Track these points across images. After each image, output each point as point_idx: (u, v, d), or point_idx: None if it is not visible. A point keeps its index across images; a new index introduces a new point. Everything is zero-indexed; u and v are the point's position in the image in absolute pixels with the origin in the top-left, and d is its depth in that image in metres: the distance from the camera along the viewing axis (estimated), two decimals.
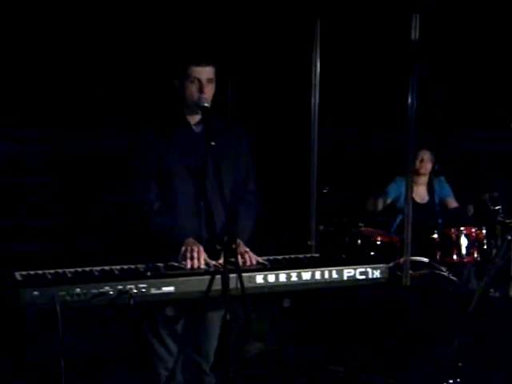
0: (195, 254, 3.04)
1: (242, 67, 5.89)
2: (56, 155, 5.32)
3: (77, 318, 2.81)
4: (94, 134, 5.43)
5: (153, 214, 3.17)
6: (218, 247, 3.03)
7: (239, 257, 3.07)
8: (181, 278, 2.87)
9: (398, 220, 5.82)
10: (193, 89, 3.19)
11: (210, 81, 3.22)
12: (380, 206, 5.94)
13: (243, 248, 3.18)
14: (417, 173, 5.91)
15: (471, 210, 5.72)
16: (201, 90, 3.18)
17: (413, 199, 5.72)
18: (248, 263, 3.12)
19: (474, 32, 6.02)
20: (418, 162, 5.91)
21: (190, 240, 3.11)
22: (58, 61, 5.15)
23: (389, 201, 5.92)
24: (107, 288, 2.72)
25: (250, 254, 3.17)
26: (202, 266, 3.03)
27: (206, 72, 3.20)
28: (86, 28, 5.16)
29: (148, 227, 3.17)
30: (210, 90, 3.22)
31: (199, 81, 3.18)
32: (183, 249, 3.07)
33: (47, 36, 5.07)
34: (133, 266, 2.98)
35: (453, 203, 6.11)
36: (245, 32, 5.80)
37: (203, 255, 3.07)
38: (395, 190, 5.85)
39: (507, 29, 5.43)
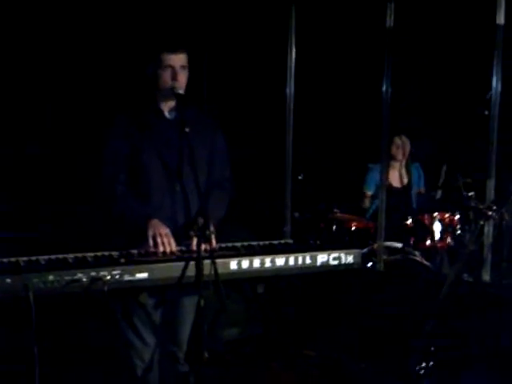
0: (165, 240, 3.04)
1: (217, 54, 5.88)
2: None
3: (52, 306, 2.79)
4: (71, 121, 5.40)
5: (116, 200, 3.15)
6: (192, 233, 3.03)
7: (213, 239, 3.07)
8: (155, 265, 2.87)
9: (374, 206, 5.86)
10: (166, 76, 3.17)
11: (183, 68, 3.21)
12: (368, 200, 6.00)
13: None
14: (393, 158, 5.97)
15: (438, 194, 5.78)
16: (174, 77, 3.17)
17: (390, 184, 5.78)
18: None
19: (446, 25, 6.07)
20: (394, 148, 5.95)
21: (156, 221, 3.09)
22: (30, 48, 5.11)
23: (371, 192, 5.96)
24: (81, 275, 2.71)
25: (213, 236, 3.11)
26: (174, 250, 3.03)
27: (179, 59, 3.19)
28: (59, 16, 5.12)
29: (111, 213, 3.16)
30: (183, 77, 3.21)
31: (173, 68, 3.17)
32: (150, 232, 3.05)
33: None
34: (106, 253, 2.97)
35: (422, 192, 6.18)
36: (219, 19, 5.79)
37: (171, 238, 3.06)
38: (374, 179, 5.87)
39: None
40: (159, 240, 3.04)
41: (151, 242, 3.04)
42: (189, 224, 3.09)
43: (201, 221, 2.87)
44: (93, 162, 3.30)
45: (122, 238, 3.11)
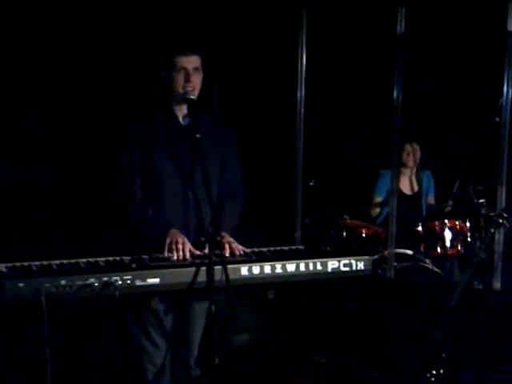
0: (180, 246, 3.04)
1: (228, 59, 5.88)
2: None
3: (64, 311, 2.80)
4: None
5: (134, 205, 3.16)
6: (203, 239, 3.05)
7: (226, 246, 3.10)
8: (166, 270, 2.87)
9: (384, 212, 5.84)
10: (179, 78, 3.19)
11: (196, 70, 3.22)
12: (378, 207, 5.99)
13: (229, 239, 3.18)
14: (404, 165, 5.96)
15: (449, 206, 5.76)
16: (187, 79, 3.18)
17: (400, 190, 5.77)
18: (236, 253, 3.12)
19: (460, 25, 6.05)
20: (404, 155, 5.95)
21: (174, 231, 3.10)
22: (39, 53, 5.12)
23: (381, 198, 5.95)
24: (92, 280, 2.72)
25: (236, 244, 3.17)
26: (188, 258, 3.03)
27: (191, 61, 3.20)
28: (70, 22, 5.13)
29: (130, 218, 3.17)
30: (196, 80, 3.22)
31: (186, 70, 3.18)
32: (168, 240, 3.06)
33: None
34: (118, 258, 2.98)
35: (431, 201, 6.16)
36: (231, 23, 5.79)
37: (188, 246, 3.06)
38: (385, 185, 5.84)
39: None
40: (174, 246, 3.04)
41: (167, 249, 3.05)
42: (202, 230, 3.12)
43: (211, 228, 2.90)
44: (106, 167, 3.31)
45: (138, 244, 3.12)
